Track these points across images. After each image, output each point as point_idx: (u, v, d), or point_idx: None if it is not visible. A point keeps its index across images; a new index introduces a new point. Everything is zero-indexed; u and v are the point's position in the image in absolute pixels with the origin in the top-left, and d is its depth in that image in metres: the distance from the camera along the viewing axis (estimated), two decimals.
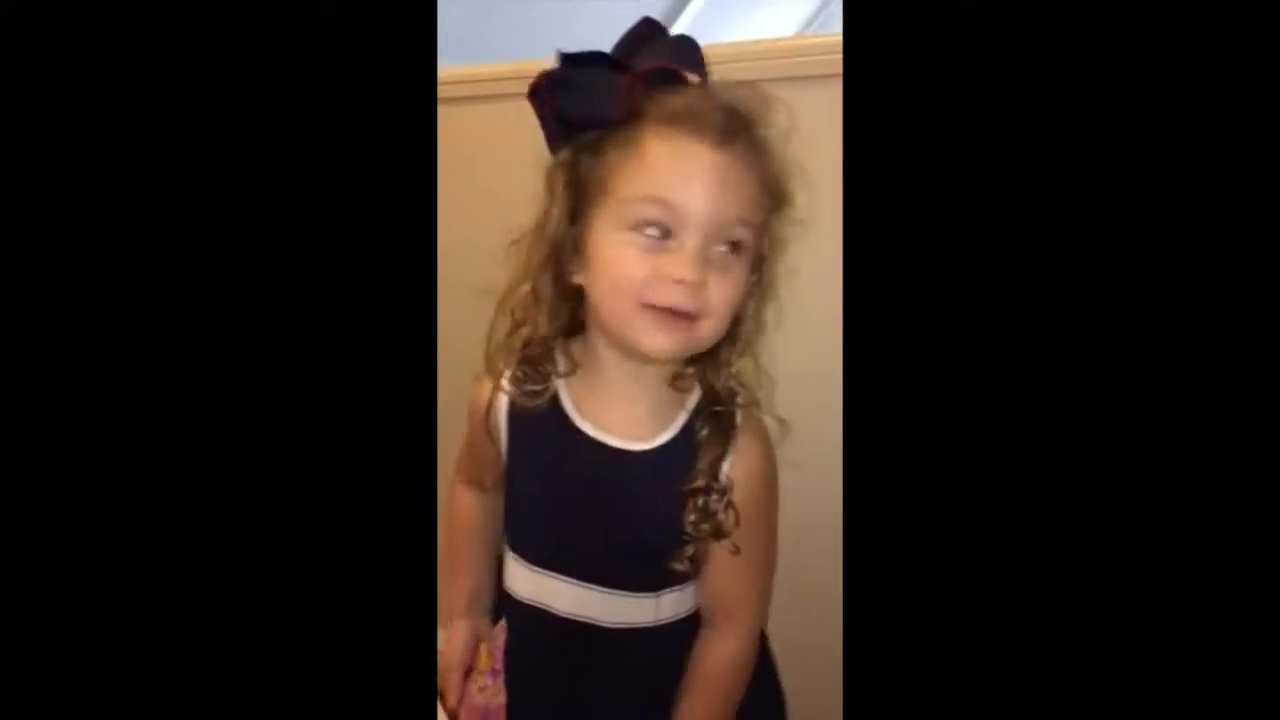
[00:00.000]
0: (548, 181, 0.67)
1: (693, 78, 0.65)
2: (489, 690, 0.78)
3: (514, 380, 0.71)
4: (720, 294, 0.62)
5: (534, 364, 0.70)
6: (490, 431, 0.74)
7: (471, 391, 0.77)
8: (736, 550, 0.69)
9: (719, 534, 0.68)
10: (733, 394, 0.70)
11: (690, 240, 0.61)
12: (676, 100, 0.62)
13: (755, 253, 0.65)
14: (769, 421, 0.73)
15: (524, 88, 0.65)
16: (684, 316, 0.62)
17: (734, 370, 0.70)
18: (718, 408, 0.69)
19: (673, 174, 0.61)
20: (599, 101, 0.61)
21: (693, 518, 0.67)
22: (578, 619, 0.72)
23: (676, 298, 0.61)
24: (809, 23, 5.15)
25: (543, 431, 0.71)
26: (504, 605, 0.79)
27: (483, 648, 0.81)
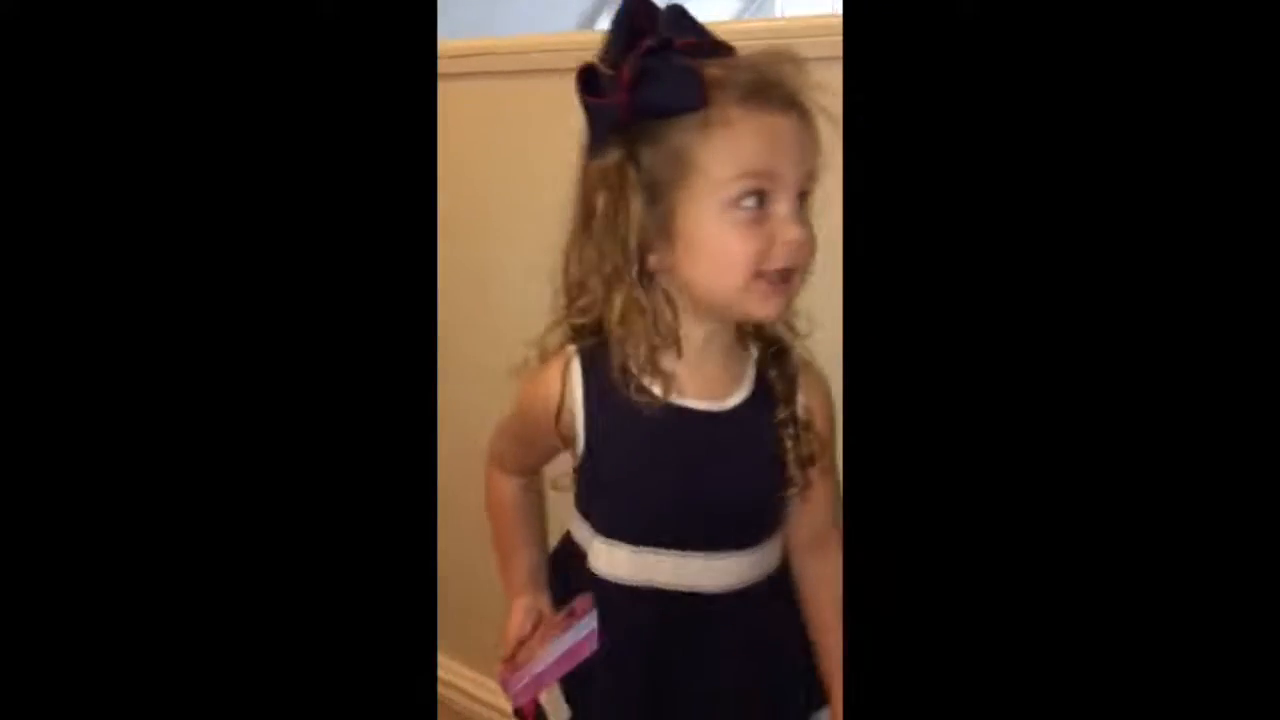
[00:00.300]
0: (608, 177, 0.68)
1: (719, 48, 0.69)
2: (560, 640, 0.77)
3: (617, 370, 0.72)
4: (812, 244, 0.67)
5: (649, 354, 0.71)
6: (561, 421, 0.75)
7: (522, 386, 0.79)
8: (827, 472, 0.75)
9: (811, 461, 0.73)
10: (781, 336, 0.75)
11: (784, 204, 0.66)
12: (740, 75, 0.65)
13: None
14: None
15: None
16: (789, 276, 0.67)
17: (793, 323, 0.76)
18: (777, 351, 0.74)
19: (766, 146, 0.65)
20: (685, 89, 0.64)
21: (791, 455, 0.72)
22: (682, 590, 0.74)
23: (793, 258, 0.66)
24: (748, 5, 5.19)
25: (626, 412, 0.72)
26: (595, 591, 0.78)
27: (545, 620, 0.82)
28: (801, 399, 0.74)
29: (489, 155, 1.02)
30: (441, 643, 1.10)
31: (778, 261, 0.65)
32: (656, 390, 0.71)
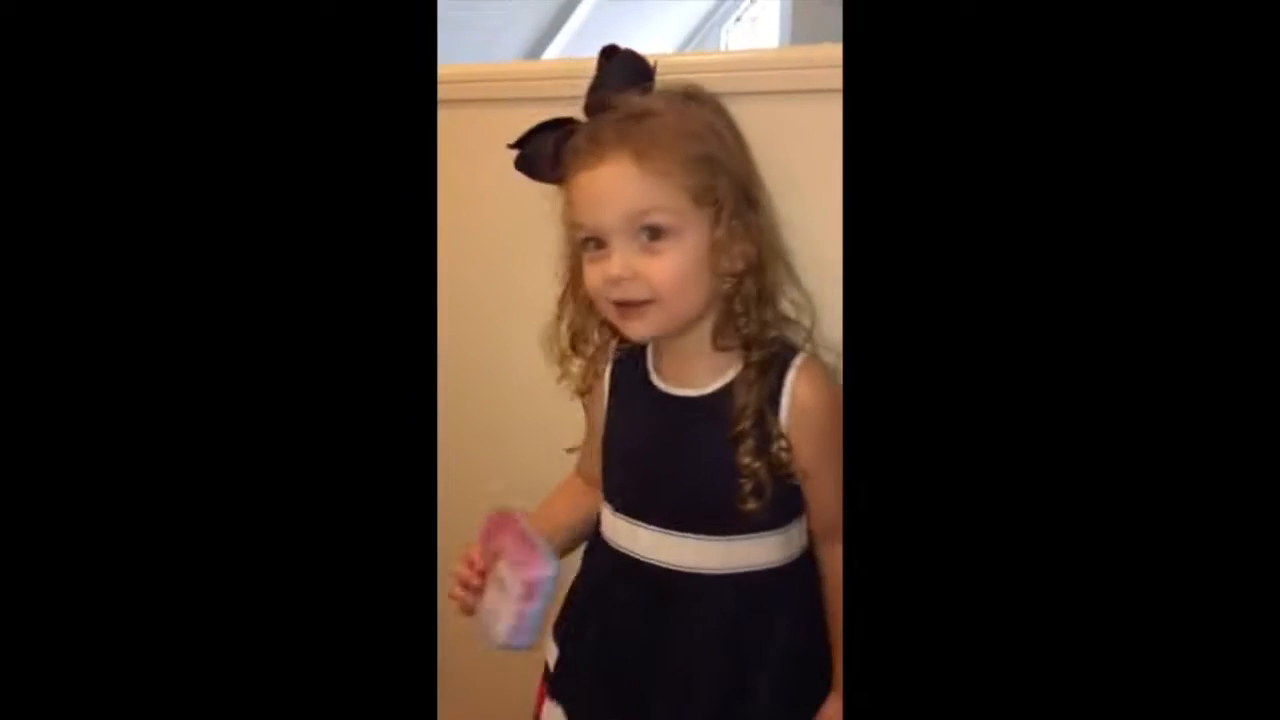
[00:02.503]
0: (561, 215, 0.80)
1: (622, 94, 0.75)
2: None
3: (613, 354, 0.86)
4: (661, 274, 0.72)
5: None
6: (596, 402, 0.86)
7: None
8: (805, 476, 0.77)
9: (777, 471, 0.75)
10: (773, 341, 0.77)
11: (613, 244, 0.73)
12: (577, 138, 0.74)
13: (712, 217, 0.74)
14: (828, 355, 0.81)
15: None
16: (638, 304, 0.74)
17: (765, 318, 0.77)
18: (756, 355, 0.76)
19: (580, 200, 0.74)
20: (541, 164, 0.76)
21: (745, 459, 0.74)
22: (657, 564, 0.79)
23: (619, 293, 0.74)
24: (690, 38, 5.26)
25: (632, 393, 0.83)
26: (598, 552, 0.86)
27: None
28: (785, 408, 0.76)
29: (484, 181, 1.03)
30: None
31: (614, 296, 0.74)
32: (654, 379, 0.81)
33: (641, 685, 0.80)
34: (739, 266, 0.74)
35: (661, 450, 0.80)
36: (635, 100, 0.73)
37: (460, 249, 1.03)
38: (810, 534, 0.82)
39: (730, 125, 0.77)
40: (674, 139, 0.72)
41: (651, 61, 0.77)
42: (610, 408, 0.85)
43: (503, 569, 0.78)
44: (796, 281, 0.80)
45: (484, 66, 1.15)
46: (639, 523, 0.81)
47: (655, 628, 0.80)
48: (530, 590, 0.75)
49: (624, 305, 0.74)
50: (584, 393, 0.86)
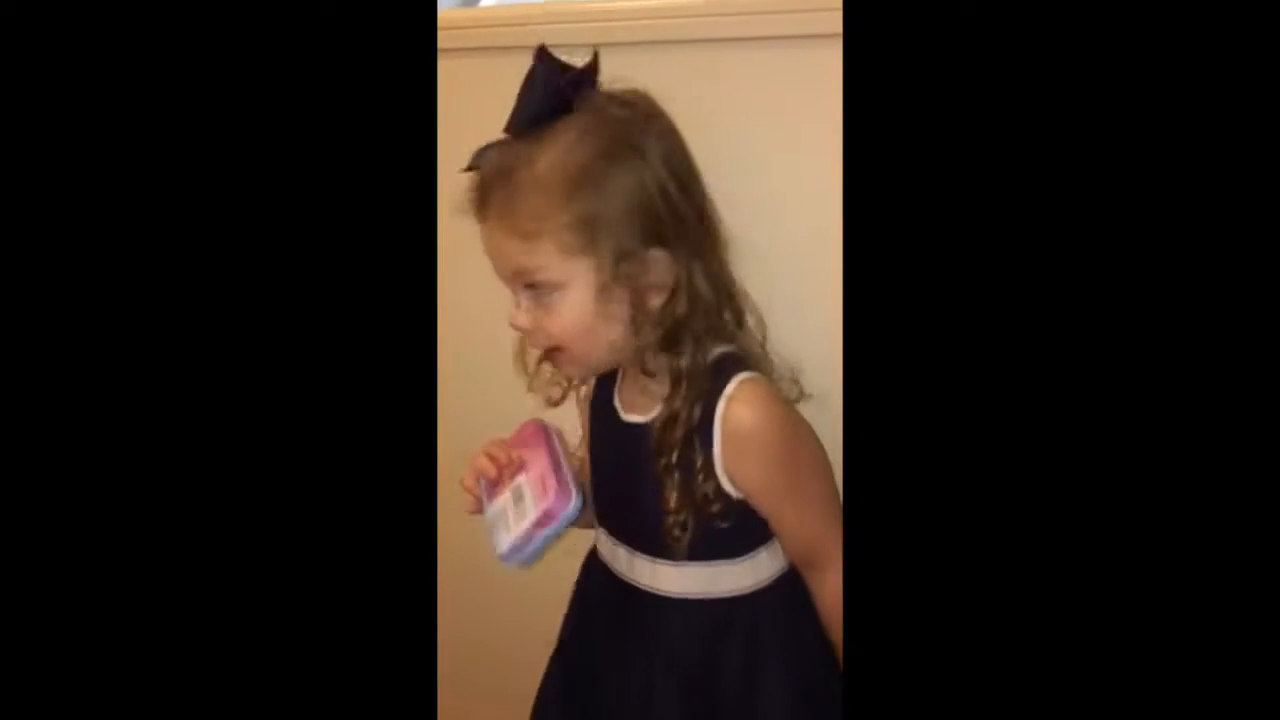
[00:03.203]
0: None
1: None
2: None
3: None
4: (555, 325, 0.73)
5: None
6: (582, 417, 0.88)
7: None
8: (760, 505, 0.76)
9: (703, 506, 0.74)
10: (704, 373, 0.75)
11: (517, 296, 0.75)
12: (471, 182, 0.74)
13: (595, 265, 0.72)
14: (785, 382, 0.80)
15: None
16: (550, 351, 0.76)
17: (684, 347, 0.74)
18: (684, 384, 0.75)
19: (487, 251, 0.75)
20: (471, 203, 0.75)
21: (668, 492, 0.74)
22: (626, 580, 0.81)
23: (530, 341, 0.78)
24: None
25: (601, 414, 0.84)
26: (591, 561, 0.89)
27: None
28: (718, 441, 0.73)
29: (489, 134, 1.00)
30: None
31: (529, 342, 0.78)
32: (616, 403, 0.82)
33: (610, 699, 0.82)
34: (651, 302, 0.72)
35: (620, 475, 0.81)
36: (510, 149, 0.71)
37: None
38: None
39: (651, 145, 0.72)
40: (540, 198, 0.70)
41: (587, 63, 0.73)
42: (590, 425, 0.86)
43: (524, 484, 0.77)
44: (739, 300, 0.78)
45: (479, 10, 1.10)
46: (616, 540, 0.82)
47: (622, 643, 0.81)
48: (545, 519, 0.74)
49: (544, 351, 0.77)
50: (555, 403, 0.86)
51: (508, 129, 0.72)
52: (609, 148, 0.71)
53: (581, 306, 0.72)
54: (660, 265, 0.72)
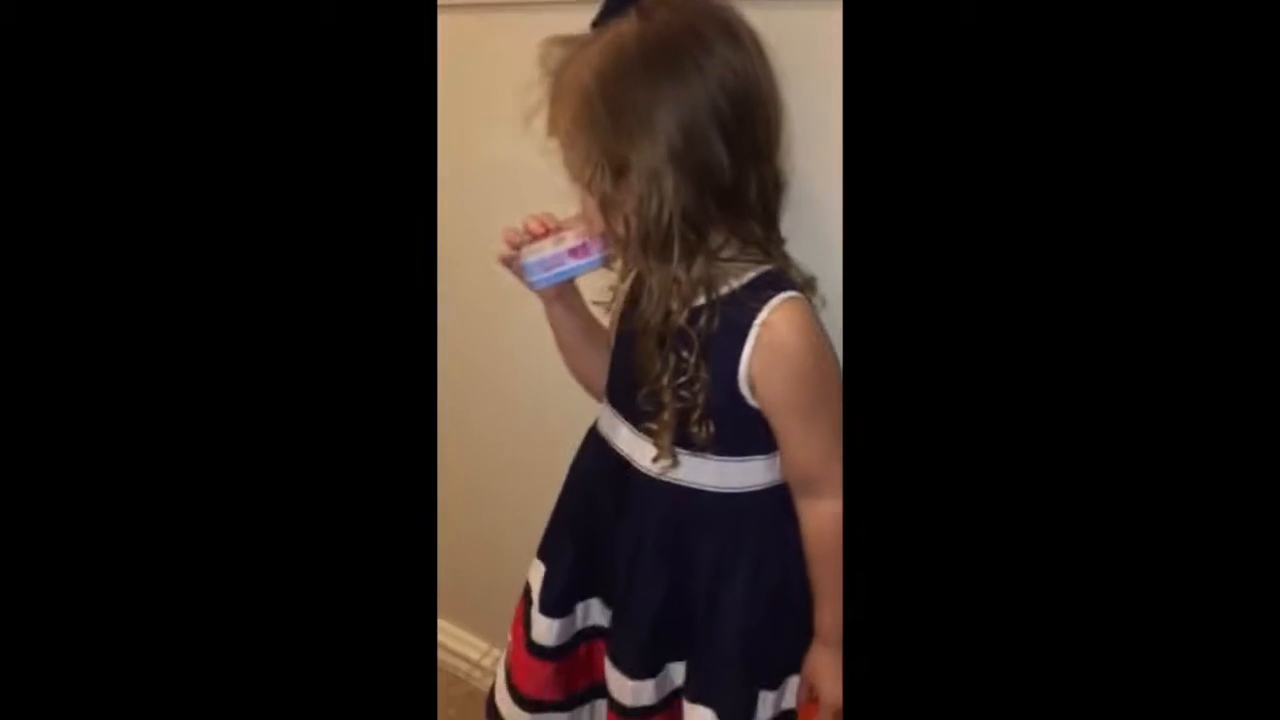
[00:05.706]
0: None
1: None
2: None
3: None
4: (585, 218, 0.81)
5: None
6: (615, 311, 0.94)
7: None
8: (773, 419, 0.80)
9: (687, 414, 0.79)
10: (762, 278, 0.78)
11: None
12: None
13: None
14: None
15: None
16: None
17: (702, 276, 0.77)
18: (703, 304, 0.78)
19: None
20: None
21: (664, 380, 0.79)
22: (622, 453, 0.89)
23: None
24: None
25: (631, 303, 0.87)
26: (591, 438, 0.96)
27: None
28: (746, 359, 0.77)
29: (489, 94, 1.00)
30: (441, 607, 1.14)
31: None
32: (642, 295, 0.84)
33: (606, 555, 0.91)
34: (648, 216, 0.73)
35: (632, 357, 0.85)
36: (567, 53, 0.75)
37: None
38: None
39: (686, 53, 0.72)
40: (565, 101, 0.74)
41: None
42: (622, 310, 0.91)
43: (567, 235, 0.84)
44: (776, 220, 0.80)
45: None
46: (620, 418, 0.89)
47: (616, 510, 0.90)
48: (582, 251, 0.83)
49: None
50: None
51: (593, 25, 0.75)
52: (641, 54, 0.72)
53: (593, 210, 0.78)
54: (635, 178, 0.73)
